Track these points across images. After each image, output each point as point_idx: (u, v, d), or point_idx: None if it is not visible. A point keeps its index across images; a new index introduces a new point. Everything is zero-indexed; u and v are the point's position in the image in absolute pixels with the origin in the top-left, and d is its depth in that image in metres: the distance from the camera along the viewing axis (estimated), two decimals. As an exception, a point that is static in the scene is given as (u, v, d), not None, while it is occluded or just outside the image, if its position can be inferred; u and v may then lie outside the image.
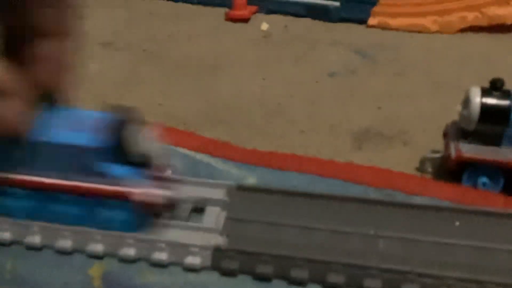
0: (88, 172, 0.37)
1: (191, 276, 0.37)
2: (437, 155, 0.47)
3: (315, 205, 0.40)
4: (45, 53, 0.36)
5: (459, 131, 0.45)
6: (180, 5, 0.86)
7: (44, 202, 0.38)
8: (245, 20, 0.79)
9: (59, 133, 0.36)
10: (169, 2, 0.87)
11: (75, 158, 0.36)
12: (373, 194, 0.44)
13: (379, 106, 0.57)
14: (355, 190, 0.44)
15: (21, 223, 0.38)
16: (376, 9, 0.78)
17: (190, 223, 0.40)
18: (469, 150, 0.44)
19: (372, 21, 0.76)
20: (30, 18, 0.35)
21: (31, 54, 0.36)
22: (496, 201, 0.43)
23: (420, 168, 0.47)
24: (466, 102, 0.45)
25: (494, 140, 0.43)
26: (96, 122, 0.37)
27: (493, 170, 0.43)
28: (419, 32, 0.74)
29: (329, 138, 0.52)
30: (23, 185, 0.38)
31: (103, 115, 0.37)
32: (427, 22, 0.75)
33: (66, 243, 0.38)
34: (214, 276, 0.37)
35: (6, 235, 0.39)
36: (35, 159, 0.37)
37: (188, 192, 0.42)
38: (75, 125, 0.37)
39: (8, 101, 0.34)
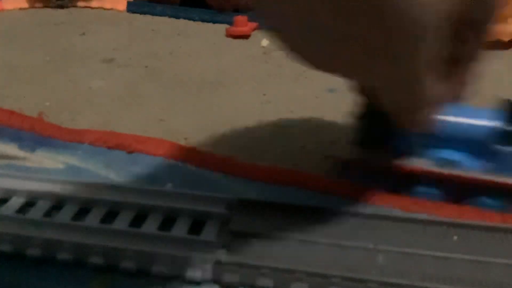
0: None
1: (192, 289, 0.37)
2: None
3: (315, 219, 0.41)
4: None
5: None
6: (182, 21, 0.88)
7: None
8: (246, 36, 0.80)
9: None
10: (171, 19, 0.88)
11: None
12: (372, 209, 0.44)
13: (377, 121, 0.58)
14: (354, 205, 0.44)
15: (24, 235, 0.39)
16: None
17: (191, 236, 0.40)
18: (412, 162, 0.44)
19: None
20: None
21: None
22: (494, 217, 0.44)
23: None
24: None
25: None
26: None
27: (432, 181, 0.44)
28: (417, 48, 0.75)
29: (331, 153, 0.52)
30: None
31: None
32: (425, 39, 0.75)
33: (68, 256, 0.38)
34: (215, 289, 0.37)
35: (8, 248, 0.39)
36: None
37: (189, 205, 0.42)
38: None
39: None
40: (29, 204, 0.44)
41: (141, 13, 0.91)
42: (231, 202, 0.42)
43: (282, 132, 0.56)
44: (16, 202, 0.43)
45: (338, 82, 0.67)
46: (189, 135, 0.56)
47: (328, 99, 0.63)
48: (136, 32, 0.84)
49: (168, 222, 0.42)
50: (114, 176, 0.49)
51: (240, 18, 0.81)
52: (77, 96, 0.64)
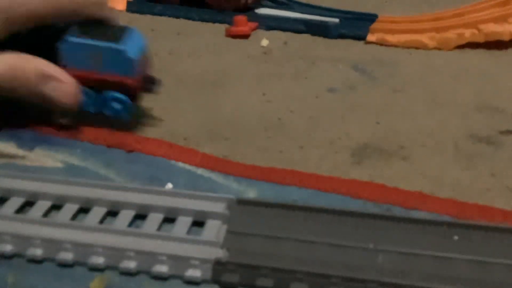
0: None
1: (192, 289, 0.37)
2: None
3: (315, 219, 0.41)
4: None
5: None
6: (181, 21, 0.87)
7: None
8: (246, 36, 0.80)
9: None
10: (170, 18, 0.88)
11: None
12: (372, 208, 0.44)
13: (378, 121, 0.58)
14: (354, 205, 0.44)
15: (23, 235, 0.39)
16: (374, 25, 0.79)
17: (190, 236, 0.40)
18: None
19: (370, 37, 0.77)
20: None
21: None
22: (494, 216, 0.44)
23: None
24: None
25: None
26: None
27: None
28: (417, 48, 0.75)
29: (329, 154, 0.52)
30: None
31: None
32: (424, 38, 0.75)
33: (67, 256, 0.38)
34: (215, 289, 0.37)
35: (8, 248, 0.39)
36: None
37: (189, 205, 0.42)
38: None
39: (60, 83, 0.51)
40: (29, 203, 0.44)
41: (140, 13, 0.90)
42: (231, 202, 0.42)
43: (282, 131, 0.56)
44: (15, 201, 0.43)
45: (338, 82, 0.67)
46: (189, 135, 0.55)
47: (328, 98, 0.63)
48: (136, 31, 0.83)
49: (168, 221, 0.42)
50: (113, 175, 0.49)
51: (240, 18, 0.81)
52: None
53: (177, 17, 0.88)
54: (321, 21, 0.81)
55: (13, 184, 0.44)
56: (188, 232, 0.41)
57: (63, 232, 0.39)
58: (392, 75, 0.68)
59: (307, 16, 0.85)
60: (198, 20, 0.87)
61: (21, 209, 0.43)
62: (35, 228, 0.40)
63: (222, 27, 0.83)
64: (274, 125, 0.58)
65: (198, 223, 0.42)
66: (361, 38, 0.78)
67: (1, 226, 0.40)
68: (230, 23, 0.82)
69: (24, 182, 0.45)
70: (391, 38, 0.76)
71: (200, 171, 0.49)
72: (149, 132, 0.56)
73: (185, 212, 0.42)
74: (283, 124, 0.58)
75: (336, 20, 0.81)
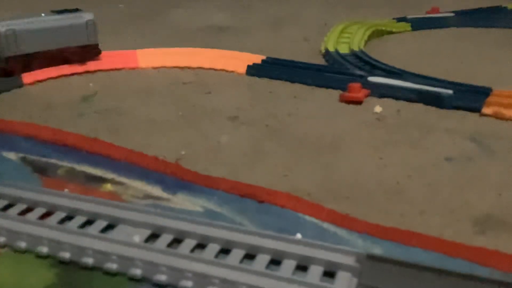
0: None
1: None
2: None
3: (444, 281, 0.42)
4: None
5: None
6: (297, 85, 0.94)
7: None
8: (359, 102, 0.85)
9: None
10: (287, 82, 0.95)
11: None
12: (500, 277, 0.45)
13: (499, 193, 0.58)
14: (481, 272, 0.45)
15: (176, 267, 0.44)
16: (490, 99, 0.80)
17: (325, 284, 0.43)
18: None
19: (486, 110, 0.79)
20: None
21: None
22: None
23: None
24: None
25: None
26: None
27: None
28: (535, 123, 0.75)
29: (450, 221, 0.54)
30: None
31: None
32: (544, 114, 0.75)
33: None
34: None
35: (163, 277, 0.44)
36: None
37: (321, 255, 0.45)
38: None
39: None
40: (177, 240, 0.49)
41: (259, 76, 0.99)
42: (361, 256, 0.45)
43: (401, 195, 0.59)
44: (166, 238, 0.49)
45: (455, 152, 0.69)
46: (312, 191, 0.60)
47: (445, 167, 0.65)
48: (256, 94, 0.91)
49: (300, 269, 0.46)
50: (247, 222, 0.53)
51: (354, 85, 0.86)
52: (207, 148, 0.71)
53: (293, 81, 0.95)
54: (435, 92, 0.84)
55: (163, 223, 0.50)
56: (320, 280, 0.44)
57: (210, 268, 0.44)
58: (511, 149, 0.69)
59: (420, 86, 0.88)
60: (313, 85, 0.93)
61: (171, 245, 0.49)
62: (186, 262, 0.45)
63: (335, 92, 0.88)
64: (393, 188, 0.60)
65: (329, 273, 0.45)
66: (475, 110, 0.79)
67: (156, 258, 0.45)
68: (343, 89, 0.87)
69: (173, 221, 0.51)
70: (508, 112, 0.77)
71: (325, 225, 0.53)
72: (274, 186, 0.60)
73: (317, 261, 0.45)
74: (402, 189, 0.60)
75: (450, 91, 0.84)
